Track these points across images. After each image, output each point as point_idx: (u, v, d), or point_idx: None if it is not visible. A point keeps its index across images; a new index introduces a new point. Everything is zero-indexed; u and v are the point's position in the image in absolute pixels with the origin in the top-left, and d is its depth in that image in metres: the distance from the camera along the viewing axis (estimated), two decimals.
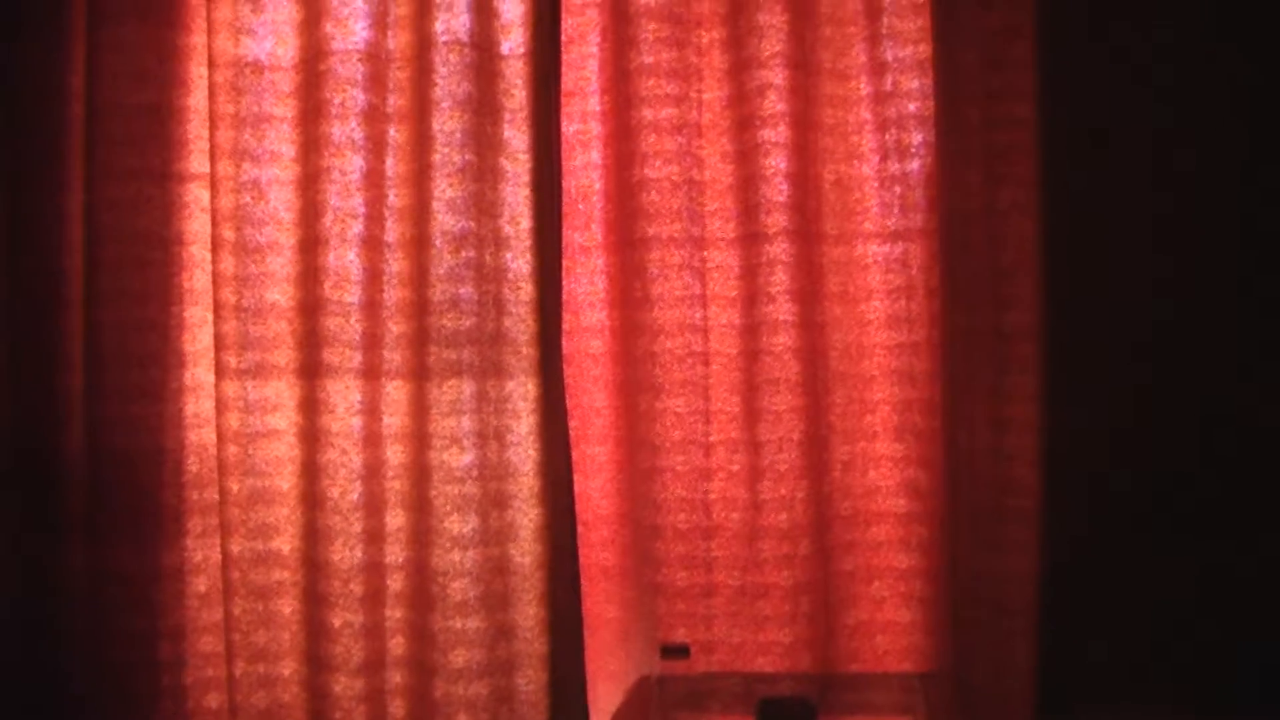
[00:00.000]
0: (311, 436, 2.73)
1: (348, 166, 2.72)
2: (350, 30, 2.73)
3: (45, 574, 2.61)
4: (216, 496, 2.73)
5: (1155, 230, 2.58)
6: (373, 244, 2.72)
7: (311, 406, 2.73)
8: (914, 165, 2.82)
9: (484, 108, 2.70)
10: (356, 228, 2.72)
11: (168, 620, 2.68)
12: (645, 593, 2.81)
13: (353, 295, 2.71)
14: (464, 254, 2.68)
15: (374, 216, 2.72)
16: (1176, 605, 2.54)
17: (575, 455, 2.76)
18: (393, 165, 2.73)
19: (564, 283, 2.78)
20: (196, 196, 2.73)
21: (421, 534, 2.68)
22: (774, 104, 2.76)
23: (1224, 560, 2.53)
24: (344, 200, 2.72)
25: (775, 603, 2.76)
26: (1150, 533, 2.55)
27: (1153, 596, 2.55)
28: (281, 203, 2.76)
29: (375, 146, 2.73)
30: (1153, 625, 2.55)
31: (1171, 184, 2.58)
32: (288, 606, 2.75)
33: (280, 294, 2.76)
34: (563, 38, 2.80)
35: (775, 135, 2.76)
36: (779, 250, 2.75)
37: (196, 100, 2.73)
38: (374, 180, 2.73)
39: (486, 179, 2.70)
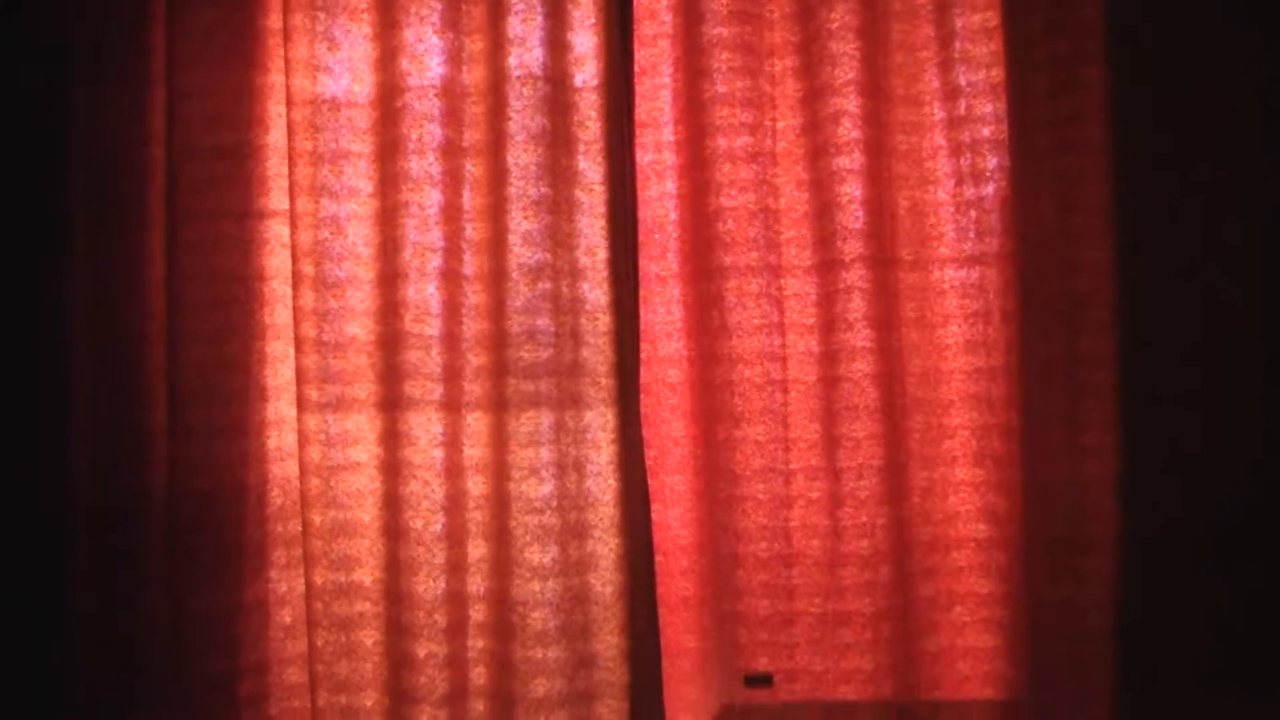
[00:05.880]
0: (393, 469, 2.75)
1: (425, 201, 2.75)
2: (425, 66, 2.77)
3: (131, 611, 2.62)
4: (299, 529, 2.76)
5: (1230, 256, 2.56)
6: (451, 277, 2.75)
7: (392, 439, 2.75)
8: (988, 190, 2.80)
9: (558, 140, 2.73)
10: (435, 261, 2.75)
11: (252, 654, 2.71)
12: (725, 622, 2.80)
13: (432, 328, 2.74)
14: (541, 286, 2.70)
15: (452, 250, 2.75)
16: (1254, 632, 2.52)
17: (654, 485, 2.78)
18: (469, 199, 2.75)
19: (641, 313, 2.80)
20: (276, 233, 2.77)
21: (502, 564, 2.70)
22: (848, 131, 2.76)
23: None
24: (422, 234, 2.75)
25: (857, 630, 2.75)
26: (1227, 559, 2.53)
27: (1230, 624, 2.53)
28: (360, 238, 2.79)
29: (452, 181, 2.76)
30: (1230, 652, 2.53)
31: (1246, 208, 2.56)
32: (370, 638, 2.77)
33: (360, 328, 2.78)
34: (635, 69, 2.82)
35: (850, 162, 2.76)
36: (855, 277, 2.76)
37: (275, 138, 2.77)
38: (451, 214, 2.75)
39: (562, 211, 2.73)
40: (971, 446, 2.81)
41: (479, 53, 2.77)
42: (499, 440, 2.71)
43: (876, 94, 2.79)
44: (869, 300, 2.76)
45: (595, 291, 2.72)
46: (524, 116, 2.72)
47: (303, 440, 2.77)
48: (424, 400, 2.73)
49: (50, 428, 2.60)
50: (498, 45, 2.74)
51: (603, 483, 2.70)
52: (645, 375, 2.80)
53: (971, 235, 2.82)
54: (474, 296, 2.74)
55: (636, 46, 2.82)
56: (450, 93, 2.76)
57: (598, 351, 2.72)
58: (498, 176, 2.72)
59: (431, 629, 2.71)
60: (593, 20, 2.74)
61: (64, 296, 2.63)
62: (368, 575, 2.77)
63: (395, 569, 2.74)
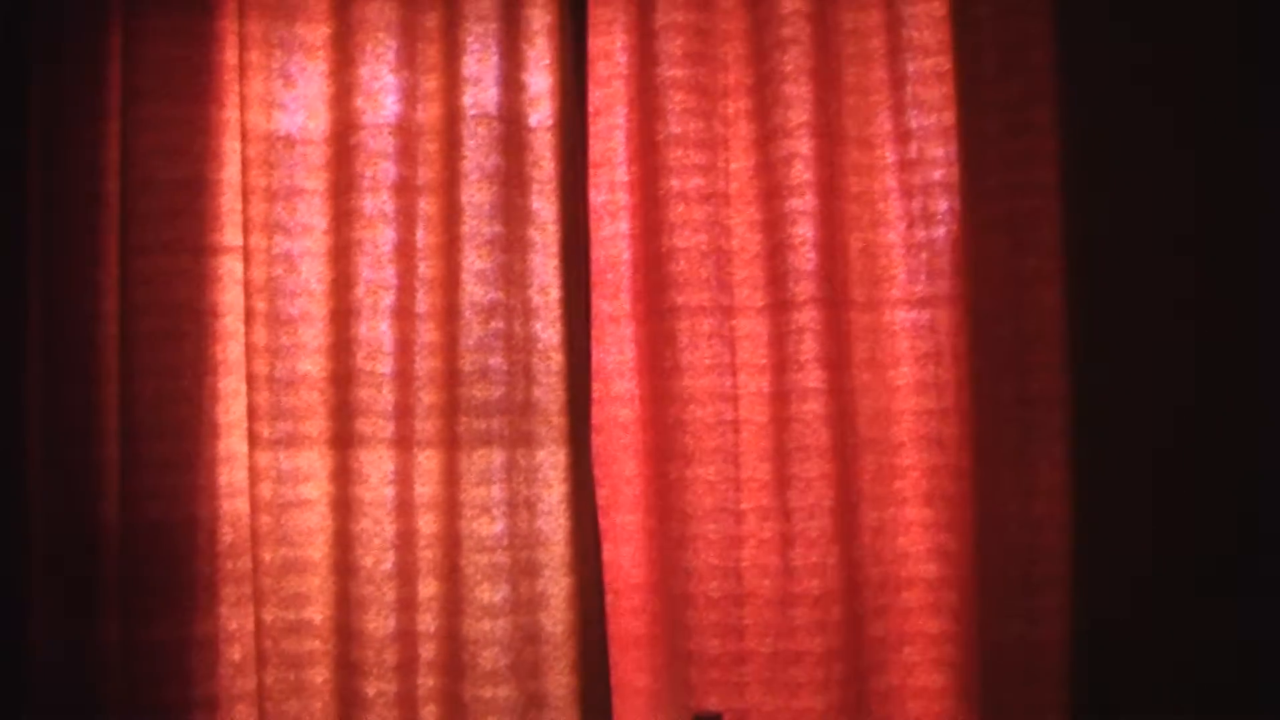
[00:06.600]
0: (344, 506, 2.75)
1: (379, 238, 2.77)
2: (380, 104, 2.78)
3: (82, 642, 2.61)
4: (250, 566, 2.75)
5: (1180, 296, 2.58)
6: (404, 315, 2.76)
7: (344, 476, 2.75)
8: (940, 232, 2.82)
9: (512, 179, 2.75)
10: (387, 299, 2.76)
11: (202, 689, 2.68)
12: (677, 660, 2.79)
13: (384, 366, 2.75)
14: (493, 324, 2.72)
15: (405, 288, 2.76)
16: (1208, 672, 2.52)
17: (605, 523, 2.78)
18: (423, 237, 2.77)
19: (593, 352, 2.81)
20: (230, 269, 2.76)
21: (453, 602, 2.70)
22: (800, 173, 2.77)
23: (1257, 627, 2.52)
24: (375, 272, 2.76)
25: (808, 669, 2.74)
26: (1180, 600, 2.54)
27: (1183, 664, 2.53)
28: (313, 274, 2.80)
29: (405, 219, 2.77)
30: (1183, 692, 2.53)
31: (1198, 249, 2.59)
32: (320, 676, 2.76)
33: (312, 365, 2.79)
34: (590, 109, 2.84)
35: (802, 204, 2.77)
36: (807, 318, 2.76)
37: (229, 174, 2.77)
38: (404, 252, 2.77)
39: (515, 250, 2.74)
40: (922, 486, 2.81)
41: (434, 91, 2.78)
42: (450, 478, 2.71)
43: (829, 136, 2.80)
44: (820, 341, 2.76)
45: (548, 330, 2.74)
46: (478, 155, 2.74)
47: (254, 477, 2.76)
48: (375, 437, 2.74)
49: (4, 458, 2.62)
50: (453, 84, 2.76)
51: (554, 521, 2.72)
52: (597, 414, 2.80)
53: (923, 277, 2.83)
54: (426, 334, 2.75)
55: (591, 87, 2.84)
56: (405, 131, 2.78)
57: (550, 390, 2.73)
58: (451, 215, 2.73)
59: (381, 667, 2.71)
60: (547, 60, 2.77)
61: (17, 327, 2.64)
62: (318, 613, 2.77)
63: (345, 606, 2.74)
